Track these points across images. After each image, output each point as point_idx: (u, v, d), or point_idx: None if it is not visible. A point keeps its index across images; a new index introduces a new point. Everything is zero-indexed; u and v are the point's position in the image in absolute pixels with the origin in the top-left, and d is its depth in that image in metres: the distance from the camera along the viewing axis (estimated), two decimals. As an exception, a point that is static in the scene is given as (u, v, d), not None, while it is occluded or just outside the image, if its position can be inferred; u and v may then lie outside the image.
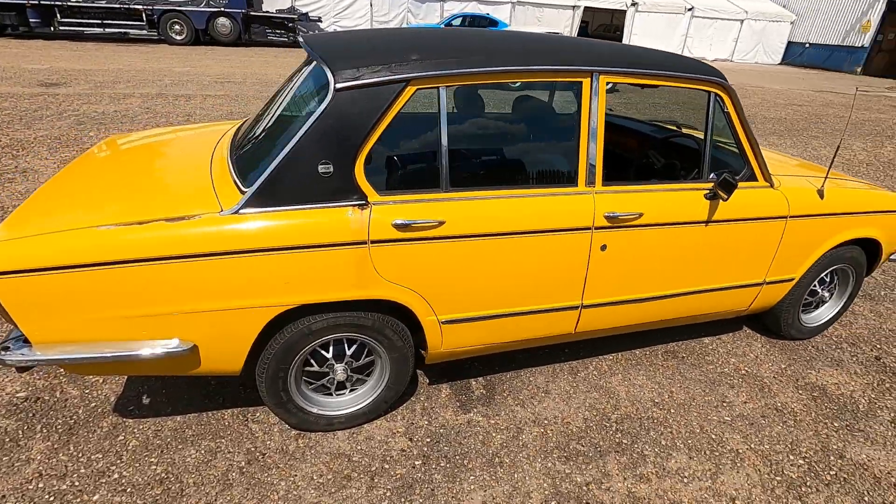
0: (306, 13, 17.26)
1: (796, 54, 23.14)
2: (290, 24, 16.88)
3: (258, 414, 2.08)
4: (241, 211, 1.55)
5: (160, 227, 1.50)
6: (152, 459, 1.85)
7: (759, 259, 2.29)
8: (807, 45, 22.45)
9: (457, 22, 17.86)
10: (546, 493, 1.81)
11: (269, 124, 1.90)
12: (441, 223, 1.70)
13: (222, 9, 15.25)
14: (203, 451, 1.89)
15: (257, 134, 1.90)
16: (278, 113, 1.93)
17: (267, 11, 16.54)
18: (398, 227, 1.66)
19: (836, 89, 15.51)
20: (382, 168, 1.69)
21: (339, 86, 1.56)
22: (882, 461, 2.04)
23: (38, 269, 1.43)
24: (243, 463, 1.86)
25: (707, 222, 2.07)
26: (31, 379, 2.19)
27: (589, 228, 1.89)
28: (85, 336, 1.55)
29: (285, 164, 1.56)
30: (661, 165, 2.41)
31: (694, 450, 2.04)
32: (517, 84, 1.88)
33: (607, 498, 1.81)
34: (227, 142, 2.12)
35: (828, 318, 2.76)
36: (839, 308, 2.76)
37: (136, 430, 1.97)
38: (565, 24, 20.74)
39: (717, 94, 2.02)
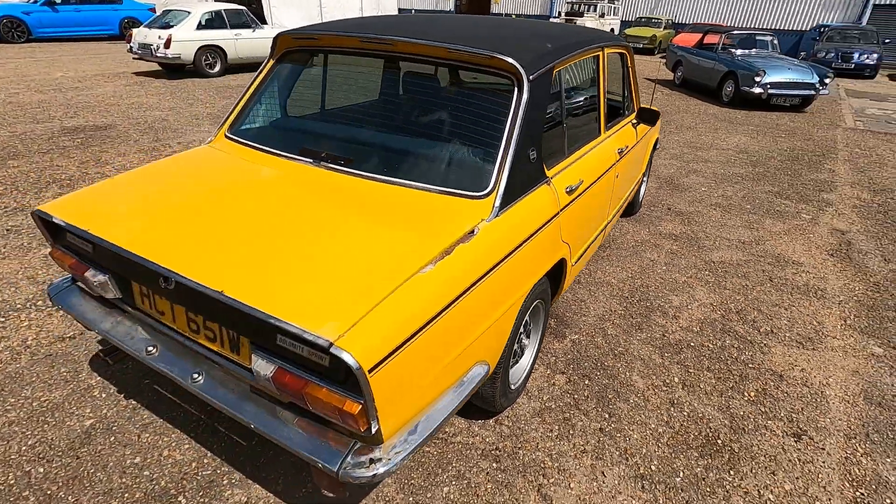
0: None
1: (407, 19, 27.76)
2: None
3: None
4: (500, 214, 1.55)
5: (465, 250, 1.38)
6: (424, 520, 1.66)
7: (641, 163, 3.42)
8: (412, 11, 27.11)
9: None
10: (658, 351, 2.52)
11: (408, 126, 1.75)
12: (582, 181, 2.05)
13: None
14: (453, 482, 1.79)
15: (408, 141, 1.73)
16: (394, 112, 1.79)
17: None
18: (568, 192, 1.94)
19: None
20: None
21: (532, 76, 1.67)
22: (726, 257, 3.57)
23: (400, 344, 1.15)
24: (494, 465, 1.87)
25: (636, 143, 3.02)
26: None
27: (615, 163, 2.55)
28: (417, 407, 1.31)
29: (515, 159, 1.61)
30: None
31: (675, 291, 3.09)
32: None
33: (680, 337, 2.66)
34: (293, 166, 1.77)
35: (643, 193, 4.27)
36: (646, 185, 4.29)
37: (367, 517, 1.66)
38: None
39: (625, 54, 2.90)
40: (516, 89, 1.68)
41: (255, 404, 1.34)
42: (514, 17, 23.97)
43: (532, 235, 1.68)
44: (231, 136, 2.07)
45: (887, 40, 15.57)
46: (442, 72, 1.95)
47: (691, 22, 20.12)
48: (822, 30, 16.53)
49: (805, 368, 2.48)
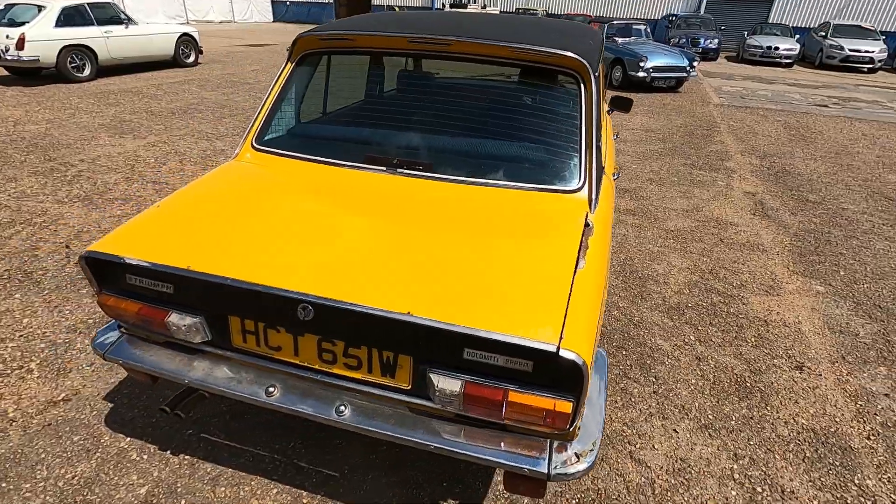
0: None
1: (282, 13, 26.23)
2: None
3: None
4: (596, 205, 1.63)
5: (595, 242, 1.44)
6: (549, 507, 1.71)
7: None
8: (288, 4, 25.74)
9: None
10: (666, 315, 2.80)
11: (479, 127, 1.75)
12: (619, 168, 2.20)
13: None
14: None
15: (482, 143, 1.72)
16: (455, 113, 1.78)
17: None
18: (614, 179, 2.08)
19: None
20: None
21: (596, 74, 1.76)
22: (680, 225, 4.01)
23: (596, 338, 1.19)
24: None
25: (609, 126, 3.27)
26: None
27: (614, 148, 2.75)
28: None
29: (595, 151, 1.69)
30: None
31: (655, 260, 3.42)
32: None
33: (677, 300, 2.97)
34: (365, 175, 1.70)
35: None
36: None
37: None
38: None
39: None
40: (583, 85, 1.75)
41: (424, 427, 1.29)
42: (397, 9, 23.92)
43: (607, 225, 1.78)
44: (263, 147, 1.89)
45: (723, 27, 18.17)
46: (491, 70, 1.96)
47: (563, 12, 21.67)
48: (671, 18, 18.81)
49: (779, 312, 2.92)
